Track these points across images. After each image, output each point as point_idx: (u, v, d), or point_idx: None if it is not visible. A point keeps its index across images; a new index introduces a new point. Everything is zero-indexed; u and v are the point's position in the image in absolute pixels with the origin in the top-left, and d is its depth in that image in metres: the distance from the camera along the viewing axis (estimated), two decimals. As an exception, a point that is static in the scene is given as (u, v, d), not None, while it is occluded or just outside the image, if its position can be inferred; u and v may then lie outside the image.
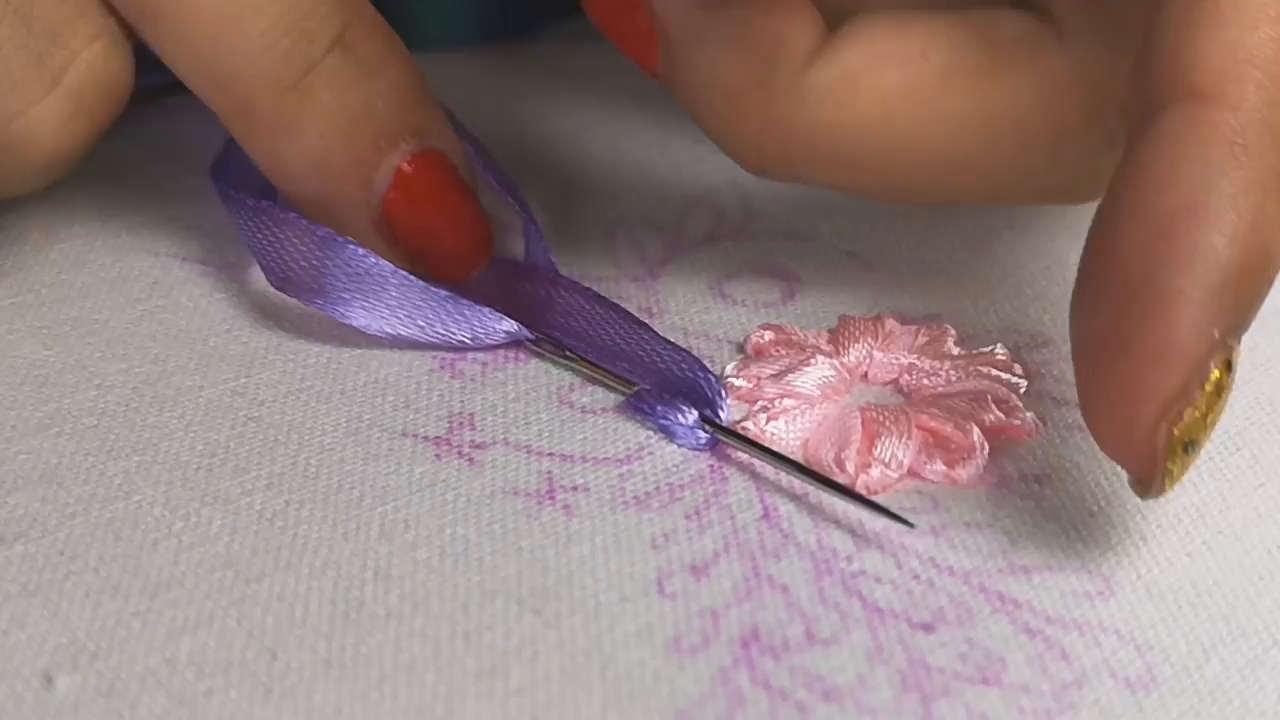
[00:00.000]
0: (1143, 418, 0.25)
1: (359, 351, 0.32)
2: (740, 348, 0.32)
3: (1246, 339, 0.31)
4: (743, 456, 0.28)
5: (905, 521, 0.26)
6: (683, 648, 0.25)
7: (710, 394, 0.29)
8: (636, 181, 0.39)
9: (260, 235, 0.32)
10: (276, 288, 0.32)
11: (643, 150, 0.40)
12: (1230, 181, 0.24)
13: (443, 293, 0.31)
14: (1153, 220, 0.24)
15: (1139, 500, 0.27)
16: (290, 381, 0.31)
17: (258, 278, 0.33)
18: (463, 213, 0.33)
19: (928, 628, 0.25)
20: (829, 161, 0.29)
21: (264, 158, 0.32)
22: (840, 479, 0.28)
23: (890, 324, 0.32)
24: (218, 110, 0.31)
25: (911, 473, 0.28)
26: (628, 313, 0.31)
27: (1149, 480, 0.25)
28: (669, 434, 0.29)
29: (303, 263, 0.31)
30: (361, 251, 0.31)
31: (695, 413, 0.29)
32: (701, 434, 0.29)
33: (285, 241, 0.32)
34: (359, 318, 0.31)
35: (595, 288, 0.33)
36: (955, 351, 0.31)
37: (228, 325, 0.32)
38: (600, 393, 0.31)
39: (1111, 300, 0.25)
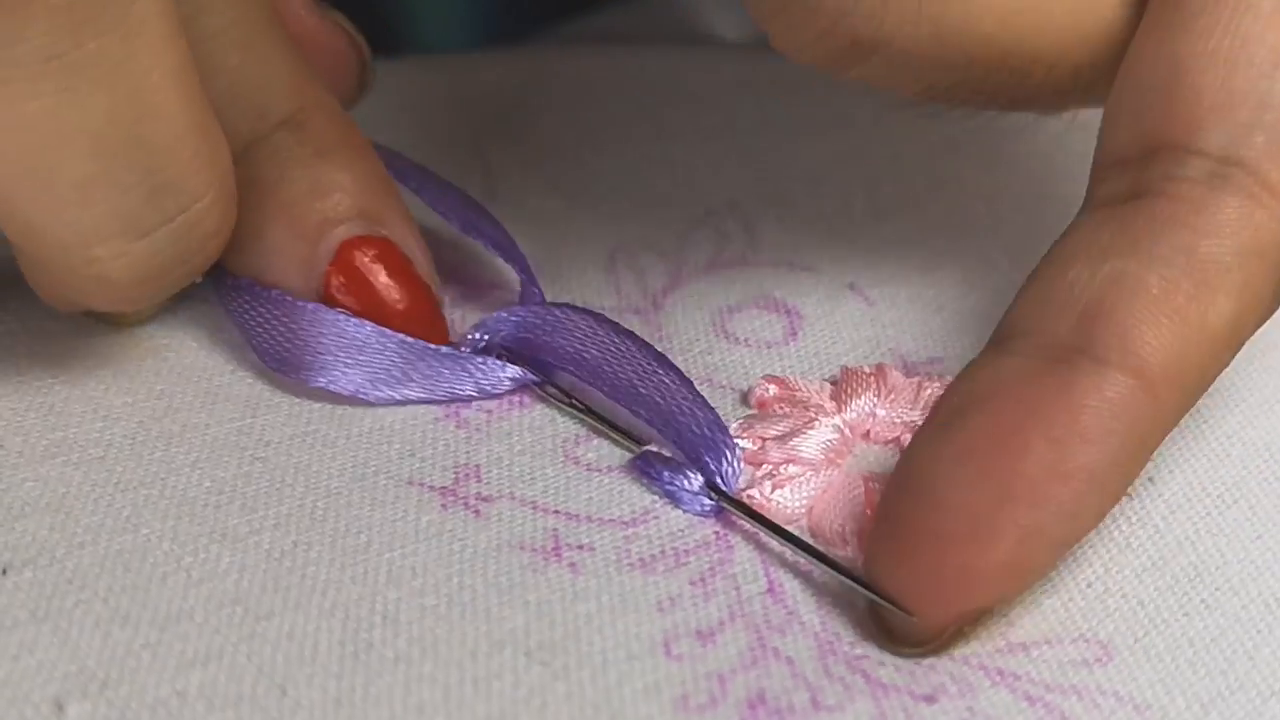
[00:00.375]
0: (952, 608, 0.26)
1: (363, 397, 0.32)
2: (743, 397, 0.32)
3: (1243, 380, 0.32)
4: (748, 525, 0.29)
5: (908, 611, 0.27)
6: (690, 707, 0.25)
7: (726, 463, 0.29)
8: (637, 199, 0.38)
9: (249, 316, 0.32)
10: (274, 369, 0.31)
11: (644, 164, 0.40)
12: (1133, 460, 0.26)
13: (443, 349, 0.32)
14: (1049, 450, 0.25)
15: (1135, 564, 0.28)
16: (295, 424, 0.31)
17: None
18: (412, 306, 0.32)
19: (929, 699, 0.26)
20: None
21: None
22: (843, 552, 0.28)
23: (893, 376, 0.32)
24: None
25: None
26: (647, 345, 0.31)
27: (918, 648, 0.27)
28: (674, 499, 0.29)
29: (297, 341, 0.31)
30: (355, 322, 0.31)
31: (701, 479, 0.29)
32: (707, 501, 0.29)
33: (274, 320, 0.31)
34: (366, 390, 0.31)
35: None
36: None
37: (232, 365, 0.32)
38: (606, 447, 0.31)
39: (963, 486, 0.26)
